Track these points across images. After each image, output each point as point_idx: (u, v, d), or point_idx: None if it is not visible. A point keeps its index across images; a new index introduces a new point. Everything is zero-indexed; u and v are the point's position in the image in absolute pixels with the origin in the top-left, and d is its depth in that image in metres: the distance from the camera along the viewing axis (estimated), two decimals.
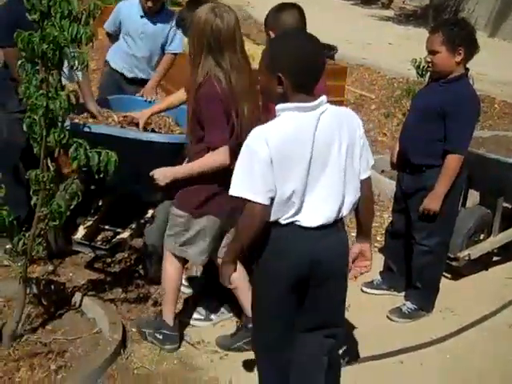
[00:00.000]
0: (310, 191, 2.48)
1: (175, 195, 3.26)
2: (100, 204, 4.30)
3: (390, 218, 4.33)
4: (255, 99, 3.15)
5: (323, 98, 2.49)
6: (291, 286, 2.57)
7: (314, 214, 2.50)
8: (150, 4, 4.66)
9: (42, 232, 3.12)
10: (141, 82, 4.90)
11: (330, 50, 8.06)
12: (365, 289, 4.20)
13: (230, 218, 3.10)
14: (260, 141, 2.40)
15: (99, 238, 4.25)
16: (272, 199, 2.44)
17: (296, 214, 2.49)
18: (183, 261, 3.41)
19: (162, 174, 3.18)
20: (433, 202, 3.67)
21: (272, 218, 2.49)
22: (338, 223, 2.58)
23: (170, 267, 3.39)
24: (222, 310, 3.76)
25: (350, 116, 2.59)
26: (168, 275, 3.41)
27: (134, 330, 3.52)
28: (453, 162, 3.60)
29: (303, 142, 2.43)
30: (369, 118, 7.68)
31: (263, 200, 2.41)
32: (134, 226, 4.16)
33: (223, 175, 2.92)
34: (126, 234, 4.15)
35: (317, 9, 14.13)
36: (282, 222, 2.50)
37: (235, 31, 3.03)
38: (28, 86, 2.86)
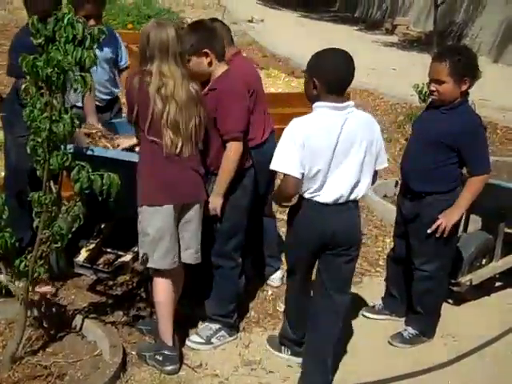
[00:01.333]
0: (331, 174, 3.13)
1: None
2: (102, 227, 4.32)
3: (392, 244, 4.34)
4: (191, 103, 3.31)
5: (351, 102, 3.16)
6: (311, 250, 3.29)
7: (331, 193, 3.16)
8: (91, 23, 4.38)
9: (44, 254, 3.13)
10: (110, 105, 4.84)
11: None
12: (366, 314, 4.19)
13: (185, 210, 3.39)
14: (298, 129, 3.09)
15: (101, 260, 4.26)
16: (303, 175, 3.09)
17: (317, 190, 3.16)
18: (171, 276, 3.43)
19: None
20: (451, 215, 3.66)
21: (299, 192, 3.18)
22: (349, 203, 3.21)
23: (158, 286, 3.44)
24: (223, 333, 3.76)
25: (371, 120, 3.29)
26: (157, 294, 3.45)
27: (134, 353, 3.53)
28: (479, 181, 3.65)
29: (331, 134, 3.09)
30: None
31: (296, 174, 3.08)
32: (136, 249, 4.17)
33: (163, 165, 3.29)
34: (128, 257, 4.16)
35: (323, 35, 14.27)
36: (305, 195, 3.18)
37: (169, 44, 3.27)
38: (32, 109, 2.89)
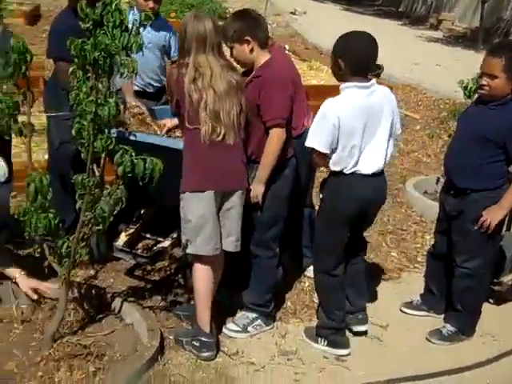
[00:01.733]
0: (365, 148, 3.41)
1: None
2: (142, 212, 4.35)
3: (432, 240, 4.28)
4: (231, 92, 3.35)
5: (374, 80, 3.41)
6: (349, 219, 3.53)
7: (369, 164, 3.44)
8: (151, 4, 4.49)
9: (86, 236, 3.17)
10: (159, 93, 4.78)
11: (376, 68, 8.02)
12: (404, 309, 4.15)
13: (227, 198, 3.41)
14: (331, 110, 3.32)
15: (140, 245, 4.30)
16: (332, 151, 3.38)
17: (355, 165, 3.41)
18: (211, 263, 3.44)
19: None
20: (495, 212, 3.61)
21: (338, 168, 3.44)
22: (381, 172, 3.53)
23: (198, 272, 3.46)
24: (260, 322, 3.76)
25: (389, 92, 3.58)
26: (196, 280, 3.47)
27: (171, 337, 3.55)
28: None
29: (362, 111, 3.36)
30: (413, 138, 7.60)
31: (324, 150, 3.37)
32: (174, 235, 4.19)
33: (205, 152, 3.32)
34: (166, 243, 4.18)
35: (366, 28, 14.11)
36: (346, 172, 3.43)
37: (206, 36, 3.33)
38: (78, 92, 2.92)
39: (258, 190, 3.52)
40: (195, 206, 3.37)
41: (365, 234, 4.99)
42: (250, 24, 3.56)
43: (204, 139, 3.30)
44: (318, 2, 20.67)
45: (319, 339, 3.69)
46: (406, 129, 7.91)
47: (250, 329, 3.73)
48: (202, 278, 3.47)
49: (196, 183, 3.37)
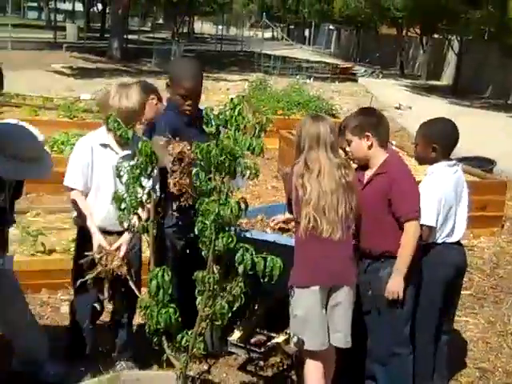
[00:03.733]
0: (455, 218, 3.77)
1: None
2: (256, 307, 4.39)
3: None
4: (338, 191, 3.42)
5: (455, 160, 3.83)
6: (448, 286, 3.76)
7: (455, 234, 3.78)
8: None
9: (203, 331, 3.24)
10: None
11: (489, 163, 7.93)
12: None
13: (334, 293, 3.43)
14: (434, 188, 3.69)
15: (253, 340, 4.32)
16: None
17: (447, 234, 3.74)
18: (321, 358, 3.43)
19: None
20: None
21: (432, 240, 3.70)
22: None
23: (309, 367, 3.46)
24: None
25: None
26: (307, 375, 3.48)
27: None
28: None
29: (454, 186, 3.77)
30: None
31: (434, 224, 3.65)
32: (288, 330, 4.19)
33: (311, 247, 3.41)
34: (280, 339, 4.18)
35: (476, 123, 13.91)
36: (438, 241, 3.73)
37: (320, 135, 3.45)
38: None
39: (399, 283, 3.49)
40: (302, 301, 3.42)
41: (483, 334, 4.91)
42: (373, 121, 3.67)
43: (302, 234, 3.39)
44: (424, 96, 20.80)
45: None
46: None
47: None
48: (313, 372, 3.46)
49: (302, 278, 3.44)
